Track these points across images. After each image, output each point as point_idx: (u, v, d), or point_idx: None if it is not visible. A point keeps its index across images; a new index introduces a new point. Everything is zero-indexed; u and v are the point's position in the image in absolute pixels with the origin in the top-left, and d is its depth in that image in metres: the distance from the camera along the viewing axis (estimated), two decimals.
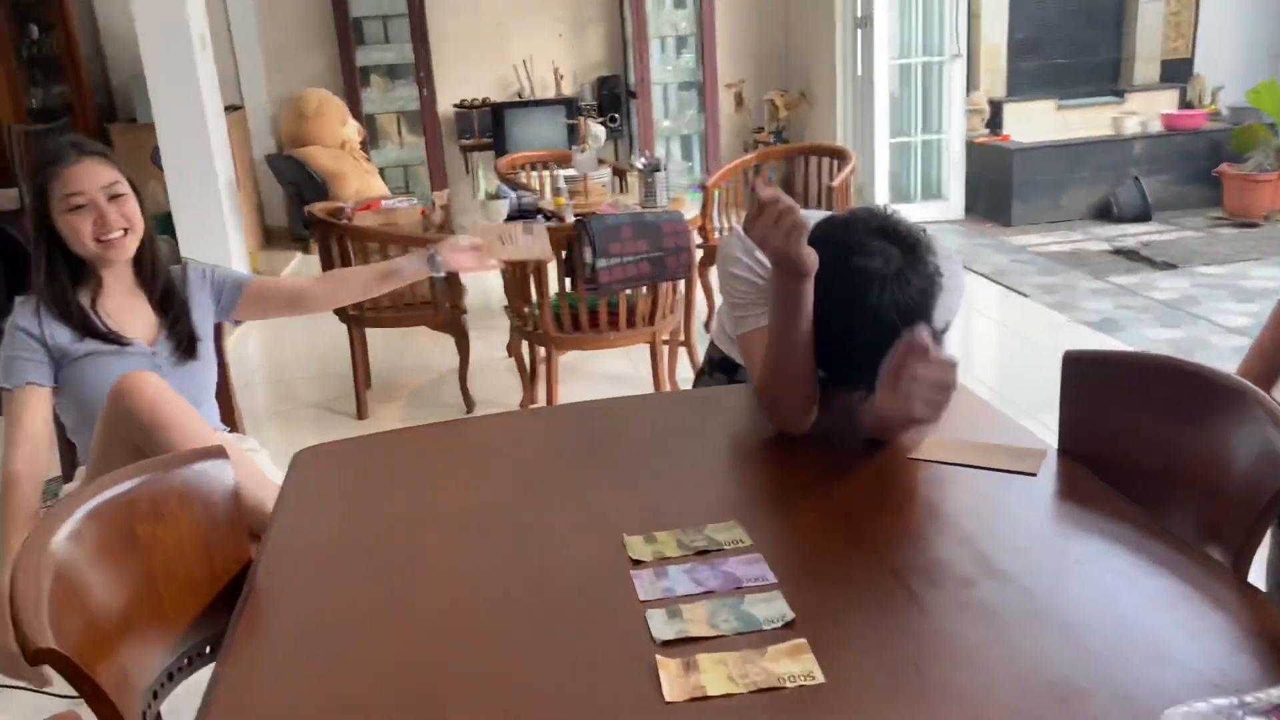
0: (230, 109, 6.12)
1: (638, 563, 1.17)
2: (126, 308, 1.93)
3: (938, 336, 1.42)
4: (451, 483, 1.43)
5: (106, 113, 6.63)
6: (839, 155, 4.50)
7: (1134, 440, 1.31)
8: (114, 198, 1.84)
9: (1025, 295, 4.78)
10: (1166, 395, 1.29)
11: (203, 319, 2.02)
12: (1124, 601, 1.06)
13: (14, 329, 1.83)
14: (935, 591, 1.08)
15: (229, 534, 1.26)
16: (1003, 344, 4.25)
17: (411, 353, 4.51)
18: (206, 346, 2.01)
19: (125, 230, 1.86)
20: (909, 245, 1.38)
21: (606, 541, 1.22)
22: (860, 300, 1.35)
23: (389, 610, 1.12)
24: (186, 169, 4.94)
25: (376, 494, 1.41)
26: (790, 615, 1.05)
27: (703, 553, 1.19)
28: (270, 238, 7.05)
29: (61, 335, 1.84)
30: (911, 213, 6.33)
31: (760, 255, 1.48)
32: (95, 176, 1.83)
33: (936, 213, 6.45)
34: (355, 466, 1.53)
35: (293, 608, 1.15)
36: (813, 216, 1.63)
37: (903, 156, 6.52)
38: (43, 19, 6.29)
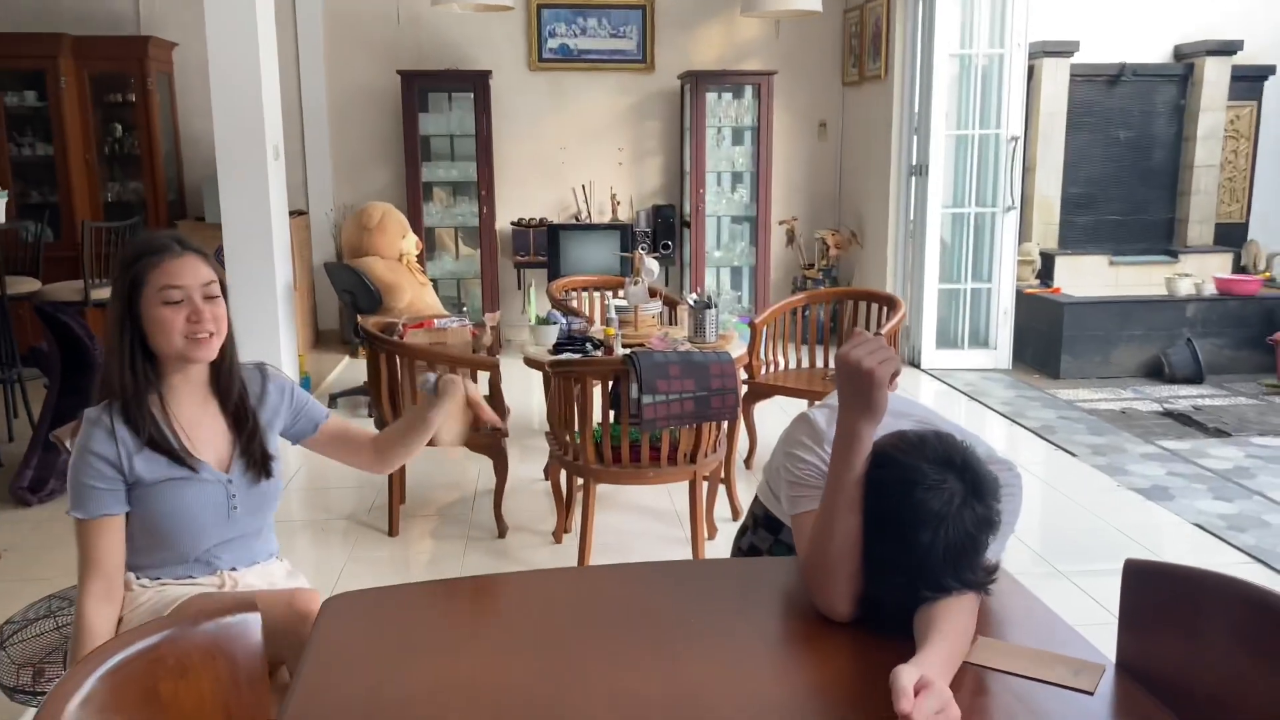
0: (295, 214, 6.31)
1: None
2: (197, 420, 1.86)
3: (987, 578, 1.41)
4: (480, 649, 1.39)
5: (176, 210, 6.86)
6: (888, 302, 4.50)
7: (1199, 665, 1.24)
8: (209, 298, 1.80)
9: (1073, 455, 4.68)
10: (1234, 621, 1.22)
11: (273, 434, 1.96)
12: None
13: (86, 452, 1.75)
14: None
15: (250, 694, 1.23)
16: (1048, 504, 4.14)
17: (448, 469, 4.50)
18: (277, 465, 1.93)
19: (212, 332, 1.80)
20: (975, 484, 1.36)
21: None
22: (912, 535, 1.33)
23: None
24: (248, 269, 5.07)
25: (403, 656, 1.37)
26: None
27: None
28: (320, 339, 7.18)
29: (139, 462, 1.77)
30: (957, 360, 6.35)
31: (829, 445, 1.48)
32: (196, 273, 1.79)
33: (983, 361, 6.41)
34: (384, 621, 1.49)
35: None
36: (895, 403, 1.61)
37: (951, 303, 6.52)
38: (127, 120, 6.59)
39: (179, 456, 1.79)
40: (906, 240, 6.54)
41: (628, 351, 3.45)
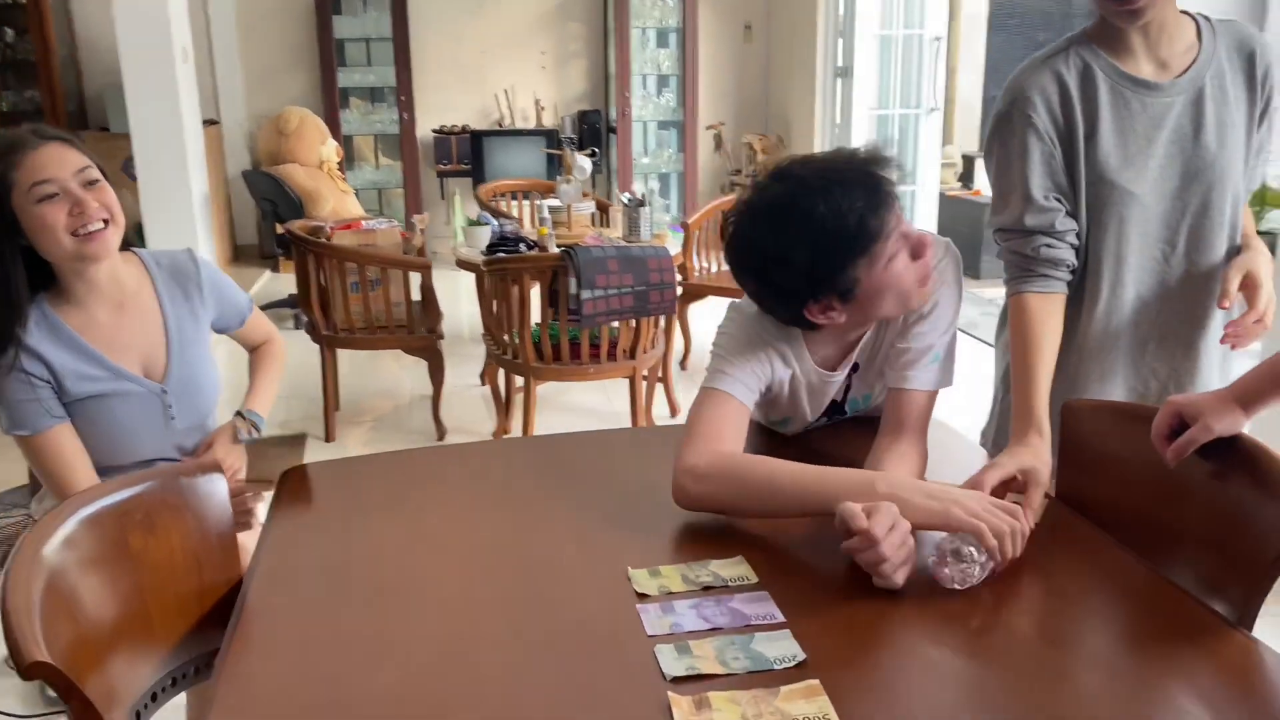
0: (207, 123, 6.06)
1: (643, 596, 1.15)
2: (116, 327, 1.67)
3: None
4: (443, 509, 1.41)
5: (77, 120, 6.54)
6: None
7: (1136, 492, 1.32)
8: (89, 184, 1.57)
9: (993, 347, 4.83)
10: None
11: (204, 320, 1.80)
12: (1126, 662, 1.06)
13: (12, 370, 1.58)
14: (949, 637, 1.08)
15: (220, 550, 1.22)
16: (970, 396, 4.28)
17: (380, 376, 4.46)
18: (206, 354, 1.79)
19: (106, 221, 1.58)
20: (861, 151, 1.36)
21: (610, 573, 1.20)
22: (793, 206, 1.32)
23: (387, 636, 1.08)
24: (161, 181, 4.88)
25: (367, 517, 1.37)
26: (801, 655, 1.03)
27: (708, 588, 1.17)
28: (239, 255, 6.97)
29: (63, 377, 1.61)
30: None
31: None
32: (64, 161, 1.56)
33: None
34: (342, 488, 1.50)
35: (287, 631, 1.11)
36: None
37: None
38: (18, 23, 6.21)
39: (98, 369, 1.64)
40: (833, 143, 6.57)
41: (564, 247, 3.44)
